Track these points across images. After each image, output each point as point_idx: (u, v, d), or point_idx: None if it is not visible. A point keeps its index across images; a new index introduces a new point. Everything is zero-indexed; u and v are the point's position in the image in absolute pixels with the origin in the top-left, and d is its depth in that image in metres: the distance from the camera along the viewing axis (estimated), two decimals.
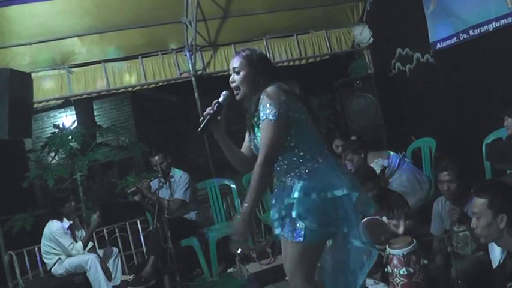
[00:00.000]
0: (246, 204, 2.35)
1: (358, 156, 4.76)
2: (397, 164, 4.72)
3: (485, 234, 2.58)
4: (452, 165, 3.46)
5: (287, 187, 2.45)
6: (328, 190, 2.36)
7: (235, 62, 2.51)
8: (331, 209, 2.37)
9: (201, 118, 2.48)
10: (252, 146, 2.55)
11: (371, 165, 4.67)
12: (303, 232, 2.34)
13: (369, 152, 4.84)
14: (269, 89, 2.39)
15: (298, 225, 2.36)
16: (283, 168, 2.44)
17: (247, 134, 2.60)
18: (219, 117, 2.49)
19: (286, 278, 2.62)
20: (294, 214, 2.36)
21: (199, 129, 2.47)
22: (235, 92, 2.52)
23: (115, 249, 5.03)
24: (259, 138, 2.42)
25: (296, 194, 2.38)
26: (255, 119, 2.44)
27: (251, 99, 2.46)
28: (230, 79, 2.54)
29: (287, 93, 2.40)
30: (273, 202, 2.58)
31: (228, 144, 2.55)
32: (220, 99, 2.50)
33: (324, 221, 2.36)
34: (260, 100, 2.38)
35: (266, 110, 2.33)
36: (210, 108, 2.47)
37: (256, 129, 2.45)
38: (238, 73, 2.50)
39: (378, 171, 4.56)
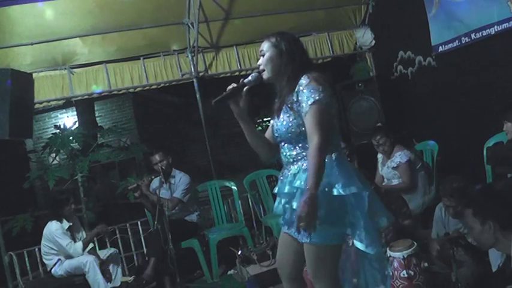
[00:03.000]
0: (309, 191, 2.14)
1: (390, 141, 4.76)
2: (418, 165, 4.71)
3: (482, 242, 2.61)
4: (456, 190, 3.46)
5: (291, 175, 2.37)
6: (333, 187, 2.24)
7: (262, 45, 2.46)
8: (336, 207, 2.26)
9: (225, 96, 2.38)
10: (274, 130, 2.47)
11: (396, 154, 4.68)
12: (307, 232, 2.23)
13: (398, 144, 4.83)
14: (315, 74, 2.32)
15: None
16: (293, 155, 2.38)
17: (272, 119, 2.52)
18: (240, 96, 2.39)
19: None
20: (294, 205, 2.29)
21: (214, 99, 2.34)
22: (262, 74, 2.45)
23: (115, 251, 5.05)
24: (284, 122, 2.36)
25: (298, 183, 2.29)
26: (289, 102, 2.35)
27: (281, 81, 2.40)
28: (257, 63, 2.50)
29: (329, 83, 2.34)
30: (276, 191, 2.50)
31: (250, 125, 2.45)
32: (246, 79, 2.42)
33: (326, 219, 2.22)
34: (302, 82, 2.30)
35: (316, 94, 2.24)
36: (234, 84, 2.39)
37: (285, 111, 2.38)
38: (263, 55, 2.44)
39: (403, 161, 4.60)
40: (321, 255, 2.32)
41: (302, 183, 2.26)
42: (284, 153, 2.43)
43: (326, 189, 2.24)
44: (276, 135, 2.46)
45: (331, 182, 2.25)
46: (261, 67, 2.45)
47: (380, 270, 2.44)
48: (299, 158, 2.36)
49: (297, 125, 2.32)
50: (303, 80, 2.30)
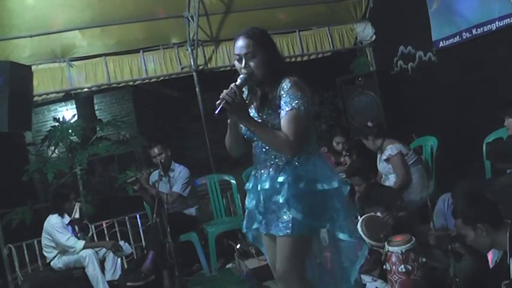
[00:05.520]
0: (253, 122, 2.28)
1: (374, 141, 4.81)
2: (414, 159, 4.71)
3: (479, 246, 2.68)
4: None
5: (272, 171, 2.38)
6: (317, 182, 2.33)
7: (246, 46, 2.32)
8: (318, 201, 2.34)
9: (218, 101, 2.23)
10: (244, 131, 2.43)
11: (387, 147, 4.69)
12: (290, 224, 2.29)
13: (389, 138, 4.85)
14: (295, 79, 2.31)
15: (285, 217, 2.31)
16: (274, 153, 2.38)
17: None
18: (235, 101, 2.23)
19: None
20: (281, 199, 2.31)
21: (216, 114, 2.21)
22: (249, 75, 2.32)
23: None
24: (268, 123, 2.34)
25: (281, 179, 2.33)
26: (273, 104, 2.33)
27: (266, 84, 2.37)
28: (240, 65, 2.34)
29: (308, 89, 2.34)
30: (250, 187, 2.52)
31: (238, 131, 2.43)
32: (238, 83, 2.28)
33: (309, 213, 2.31)
34: (283, 86, 2.29)
35: (295, 100, 2.25)
36: (226, 91, 2.24)
37: (267, 113, 2.36)
38: (252, 57, 2.32)
39: (394, 153, 4.61)
40: (297, 247, 2.36)
41: (288, 178, 2.32)
42: (263, 151, 2.42)
43: (310, 184, 2.32)
44: (247, 136, 2.43)
45: (314, 178, 2.34)
46: (250, 71, 2.32)
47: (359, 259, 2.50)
48: (280, 155, 2.37)
49: (278, 126, 2.30)
50: (284, 84, 2.30)
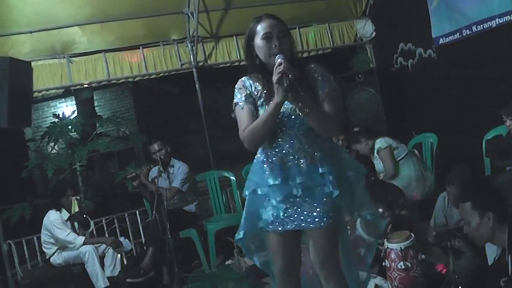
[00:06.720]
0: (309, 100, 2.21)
1: (361, 145, 4.86)
2: (403, 155, 4.73)
3: (478, 235, 2.63)
4: (457, 180, 3.49)
5: (305, 163, 2.30)
6: (347, 170, 2.39)
7: (278, 25, 2.29)
8: (354, 189, 2.40)
9: (285, 78, 2.12)
10: (286, 119, 2.30)
11: (378, 139, 4.74)
12: (331, 213, 2.29)
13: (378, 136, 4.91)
14: (319, 64, 2.37)
15: (325, 207, 2.28)
16: (309, 142, 2.31)
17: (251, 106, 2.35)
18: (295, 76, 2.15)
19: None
20: (326, 189, 2.27)
21: (285, 85, 2.12)
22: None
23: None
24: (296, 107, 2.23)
25: (325, 169, 2.28)
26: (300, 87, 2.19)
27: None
28: (269, 43, 2.26)
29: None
30: (277, 182, 2.31)
31: (277, 118, 2.27)
32: (282, 60, 2.17)
33: (351, 201, 2.38)
34: (315, 69, 2.33)
35: (331, 83, 2.31)
36: (281, 66, 2.13)
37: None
38: (283, 36, 2.28)
39: (383, 146, 4.67)
40: (332, 238, 2.36)
41: (330, 168, 2.29)
42: (295, 141, 2.31)
43: (353, 173, 2.40)
44: (296, 124, 2.30)
45: (345, 166, 2.40)
46: (283, 48, 2.26)
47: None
48: (313, 144, 2.32)
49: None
50: (315, 67, 2.34)
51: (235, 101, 2.38)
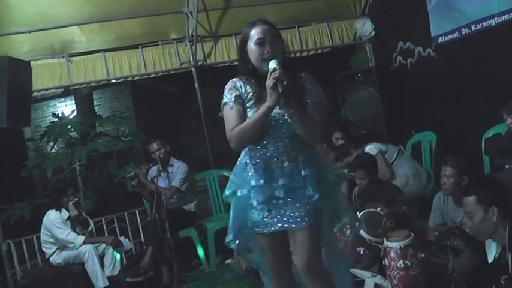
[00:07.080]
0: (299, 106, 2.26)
1: (351, 157, 4.80)
2: (395, 155, 4.74)
3: (481, 230, 2.61)
4: (454, 161, 3.49)
5: (288, 165, 2.35)
6: (328, 172, 2.47)
7: (270, 30, 2.34)
8: (328, 191, 2.44)
9: (280, 84, 2.16)
10: (273, 123, 2.34)
11: (367, 147, 4.72)
12: (313, 213, 2.33)
13: (365, 143, 4.93)
14: (309, 74, 2.42)
15: (307, 207, 2.33)
16: (293, 145, 2.36)
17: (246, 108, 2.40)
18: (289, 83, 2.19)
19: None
20: (308, 191, 2.33)
21: (280, 91, 2.16)
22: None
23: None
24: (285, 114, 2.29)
25: (307, 172, 2.33)
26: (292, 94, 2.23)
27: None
28: (261, 49, 2.30)
29: None
30: (260, 183, 2.35)
31: (266, 120, 2.31)
32: (275, 65, 2.21)
33: (322, 202, 2.38)
34: (305, 78, 2.40)
35: (319, 92, 2.38)
36: (277, 72, 2.17)
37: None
38: (275, 42, 2.32)
39: (374, 153, 4.66)
40: (314, 240, 2.38)
41: (312, 171, 2.35)
42: (280, 144, 2.36)
43: (333, 176, 2.50)
44: (283, 129, 2.35)
45: (327, 169, 2.50)
46: (274, 54, 2.30)
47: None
48: (297, 148, 2.38)
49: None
50: (305, 76, 2.40)
51: (224, 100, 2.43)
